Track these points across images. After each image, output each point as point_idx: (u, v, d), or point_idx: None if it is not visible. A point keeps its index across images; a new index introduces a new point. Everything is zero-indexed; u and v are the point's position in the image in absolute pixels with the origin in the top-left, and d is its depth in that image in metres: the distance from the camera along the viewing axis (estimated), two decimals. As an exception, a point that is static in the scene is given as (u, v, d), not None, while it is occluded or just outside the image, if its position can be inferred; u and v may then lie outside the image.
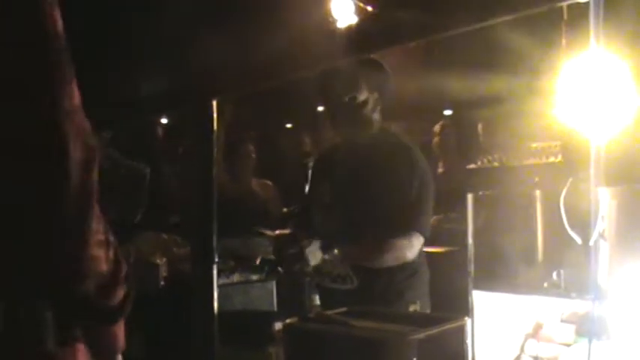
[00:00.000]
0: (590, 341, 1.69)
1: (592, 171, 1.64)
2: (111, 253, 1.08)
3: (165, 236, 3.12)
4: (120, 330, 1.18)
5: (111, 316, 1.12)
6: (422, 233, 2.69)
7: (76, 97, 1.02)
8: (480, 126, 4.53)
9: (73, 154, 0.97)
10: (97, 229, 1.04)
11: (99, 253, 1.04)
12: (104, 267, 1.06)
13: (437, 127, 4.86)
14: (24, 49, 0.97)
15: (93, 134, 1.04)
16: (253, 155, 4.53)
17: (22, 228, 0.98)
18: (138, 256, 2.91)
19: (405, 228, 2.68)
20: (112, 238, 1.09)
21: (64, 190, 0.97)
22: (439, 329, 1.90)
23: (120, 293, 1.11)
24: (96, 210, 1.03)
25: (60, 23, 1.02)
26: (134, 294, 1.14)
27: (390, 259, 2.69)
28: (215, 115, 1.94)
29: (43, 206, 0.98)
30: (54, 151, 0.97)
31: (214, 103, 1.95)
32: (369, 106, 2.76)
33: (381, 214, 2.71)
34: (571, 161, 1.93)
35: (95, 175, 1.02)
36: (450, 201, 3.55)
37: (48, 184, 0.97)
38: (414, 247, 2.68)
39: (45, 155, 0.97)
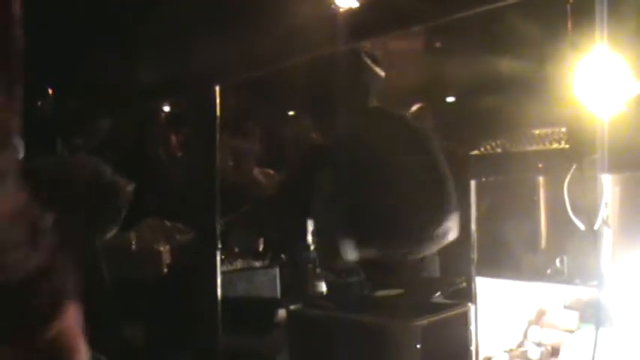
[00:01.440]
0: (596, 328, 1.69)
1: (596, 158, 1.63)
2: (35, 256, 0.93)
3: (168, 223, 3.12)
4: (66, 335, 1.00)
5: (39, 318, 0.96)
6: (453, 215, 2.57)
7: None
8: (482, 112, 4.51)
9: None
10: (10, 226, 0.90)
11: (14, 254, 0.90)
12: (25, 267, 0.91)
13: (414, 109, 4.77)
14: None
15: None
16: (257, 144, 4.52)
17: None
18: (141, 243, 2.91)
19: (437, 218, 2.56)
20: (42, 239, 0.96)
21: None
22: (443, 315, 1.90)
23: (48, 295, 0.96)
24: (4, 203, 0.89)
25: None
26: (67, 298, 0.98)
27: (429, 250, 2.62)
28: (218, 102, 1.93)
29: None
30: None
31: (217, 89, 1.94)
32: (359, 91, 2.73)
33: (392, 204, 2.63)
34: (577, 148, 1.92)
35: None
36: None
37: None
38: (452, 230, 2.57)
39: None
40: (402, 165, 2.60)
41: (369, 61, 2.72)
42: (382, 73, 2.78)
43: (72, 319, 1.00)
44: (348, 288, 2.58)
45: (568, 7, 1.73)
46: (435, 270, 2.84)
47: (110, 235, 2.64)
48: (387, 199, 2.62)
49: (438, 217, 2.56)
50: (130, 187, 2.55)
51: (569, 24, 1.72)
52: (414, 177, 2.59)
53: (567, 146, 2.04)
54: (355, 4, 2.80)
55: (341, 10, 2.68)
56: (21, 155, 0.94)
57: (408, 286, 2.18)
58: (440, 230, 2.55)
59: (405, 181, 2.59)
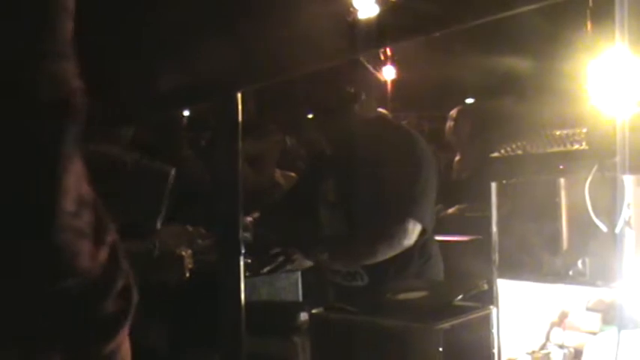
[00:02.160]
0: (618, 330, 1.69)
1: (618, 158, 1.63)
2: (102, 254, 0.87)
3: (190, 228, 3.14)
4: (122, 349, 0.95)
5: (99, 334, 0.89)
6: (418, 220, 2.64)
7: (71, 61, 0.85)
8: (501, 114, 4.50)
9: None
10: (77, 214, 0.83)
11: (78, 244, 0.83)
12: (86, 265, 0.85)
13: (453, 112, 4.81)
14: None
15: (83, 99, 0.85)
16: (279, 147, 4.54)
17: None
18: (163, 248, 2.93)
19: (399, 216, 2.63)
20: (108, 239, 0.89)
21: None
22: (465, 319, 1.90)
23: (111, 306, 0.89)
24: (74, 191, 0.83)
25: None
26: (133, 311, 0.92)
27: (383, 251, 2.66)
28: (239, 108, 1.95)
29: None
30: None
31: (239, 94, 1.95)
32: (358, 99, 2.76)
33: (375, 205, 2.69)
34: (597, 149, 1.91)
35: (71, 146, 0.83)
36: (470, 189, 3.54)
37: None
38: (409, 234, 2.63)
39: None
40: (386, 172, 2.65)
41: (370, 68, 2.76)
42: (383, 78, 2.82)
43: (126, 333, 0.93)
44: (370, 291, 2.60)
45: (588, 7, 1.73)
46: (438, 272, 2.86)
47: (160, 221, 2.59)
48: (374, 207, 2.68)
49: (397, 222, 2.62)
50: (173, 173, 2.52)
51: (589, 24, 1.72)
52: (395, 185, 2.63)
53: (588, 147, 2.04)
54: (375, 11, 2.82)
55: (360, 16, 2.70)
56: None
57: (429, 289, 2.19)
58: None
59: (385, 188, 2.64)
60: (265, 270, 2.67)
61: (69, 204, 0.82)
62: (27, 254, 0.81)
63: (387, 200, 2.65)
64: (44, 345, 0.85)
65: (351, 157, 2.79)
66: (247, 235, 2.87)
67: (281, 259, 2.64)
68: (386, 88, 2.88)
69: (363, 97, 2.76)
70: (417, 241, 2.70)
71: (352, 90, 2.73)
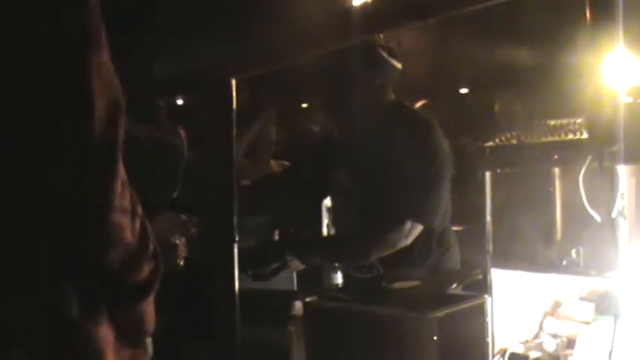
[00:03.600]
0: (615, 320, 1.69)
1: (614, 148, 1.63)
2: (137, 225, 1.03)
3: (184, 216, 3.13)
4: (149, 310, 1.13)
5: (137, 293, 1.07)
6: (419, 220, 2.58)
7: (105, 52, 0.98)
8: (496, 104, 4.50)
9: (98, 108, 0.93)
10: (122, 193, 0.98)
11: (124, 220, 0.99)
12: (129, 237, 1.01)
13: (418, 105, 4.77)
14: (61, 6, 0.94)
15: (120, 89, 1.00)
16: (273, 136, 4.52)
17: (42, 182, 0.93)
18: (156, 237, 2.92)
19: (398, 216, 2.57)
20: (139, 210, 1.04)
21: (86, 144, 0.93)
22: (459, 307, 1.91)
23: (146, 269, 1.06)
24: (121, 172, 0.98)
25: None
26: (163, 271, 1.11)
27: (377, 252, 2.60)
28: (234, 95, 1.94)
29: (64, 159, 0.93)
30: (78, 104, 0.93)
31: (233, 82, 1.94)
32: (374, 84, 2.71)
33: (377, 200, 2.64)
34: (595, 139, 1.91)
35: (121, 133, 0.98)
36: (462, 178, 3.53)
37: (70, 136, 0.93)
38: (405, 236, 2.56)
39: (68, 107, 0.93)
40: (394, 163, 2.60)
41: (384, 54, 2.71)
42: (399, 65, 2.76)
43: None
44: (365, 280, 2.58)
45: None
46: (456, 261, 2.84)
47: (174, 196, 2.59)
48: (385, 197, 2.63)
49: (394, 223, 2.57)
50: (186, 143, 2.50)
51: (588, 13, 1.71)
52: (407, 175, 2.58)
53: (583, 137, 2.04)
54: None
55: (355, 3, 2.67)
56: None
57: (424, 278, 2.19)
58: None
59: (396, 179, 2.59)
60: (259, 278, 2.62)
61: (118, 186, 0.96)
62: (86, 231, 0.96)
63: (388, 197, 2.59)
64: (95, 305, 1.01)
65: (363, 145, 2.73)
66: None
67: (276, 265, 2.57)
68: (401, 74, 2.81)
69: (378, 82, 2.72)
70: (433, 232, 2.67)
71: (366, 76, 2.67)
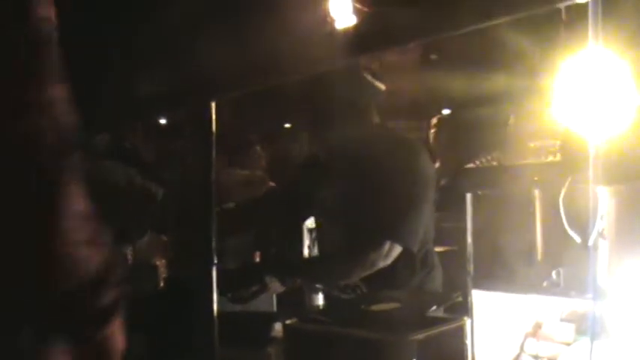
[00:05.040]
0: (591, 341, 1.69)
1: (591, 170, 1.64)
2: (99, 255, 1.03)
3: (164, 237, 3.13)
4: (115, 335, 1.11)
5: (99, 321, 1.06)
6: (398, 241, 2.58)
7: (58, 89, 1.00)
8: (476, 124, 4.52)
9: (44, 146, 0.95)
10: (80, 226, 1.00)
11: (83, 252, 1.00)
12: (90, 267, 1.01)
13: (435, 120, 4.82)
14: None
15: (72, 127, 1.01)
16: (261, 158, 4.52)
17: None
18: (137, 258, 2.91)
19: (377, 237, 2.57)
20: (103, 239, 1.05)
21: (31, 184, 0.94)
22: (439, 329, 1.90)
23: (109, 295, 1.05)
24: (75, 206, 0.99)
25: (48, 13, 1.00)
26: (128, 297, 1.10)
27: (357, 273, 2.60)
28: (214, 117, 1.94)
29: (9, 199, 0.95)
30: (25, 142, 0.95)
31: (213, 104, 1.94)
32: (358, 106, 2.72)
33: (358, 221, 2.63)
34: (570, 160, 1.92)
35: (71, 171, 0.99)
36: (445, 199, 3.54)
37: (17, 175, 0.95)
38: (384, 256, 2.56)
39: (15, 147, 0.94)
40: (376, 186, 2.60)
41: (369, 77, 2.72)
42: (383, 87, 2.77)
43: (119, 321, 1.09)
44: (344, 302, 2.58)
45: (562, 22, 1.74)
46: (439, 283, 2.84)
47: (143, 241, 2.63)
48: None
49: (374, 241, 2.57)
50: (161, 193, 2.54)
51: (563, 38, 1.74)
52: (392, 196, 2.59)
53: (561, 160, 2.05)
54: (352, 20, 2.81)
55: (338, 26, 2.68)
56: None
57: (403, 300, 2.18)
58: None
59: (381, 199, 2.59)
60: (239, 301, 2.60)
61: (70, 221, 0.98)
62: (39, 265, 0.98)
63: (369, 218, 2.59)
64: (53, 335, 1.01)
65: (346, 166, 2.74)
66: None
67: (255, 288, 2.56)
68: (386, 97, 2.81)
69: (361, 104, 2.72)
70: (417, 253, 2.66)
71: (350, 98, 2.69)
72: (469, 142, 4.12)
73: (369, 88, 2.73)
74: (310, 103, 2.79)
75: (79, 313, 1.03)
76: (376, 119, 2.79)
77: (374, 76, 2.74)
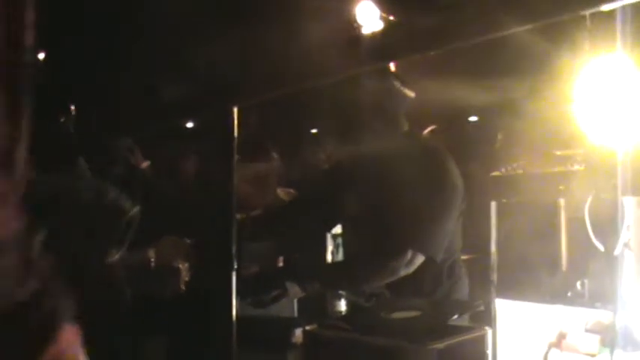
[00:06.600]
0: (611, 352, 1.67)
1: (618, 180, 1.62)
2: (31, 284, 0.92)
3: (187, 240, 3.14)
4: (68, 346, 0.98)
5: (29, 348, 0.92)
6: (421, 250, 2.55)
7: None
8: (499, 133, 4.49)
9: None
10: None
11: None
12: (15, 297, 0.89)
13: (426, 132, 4.77)
14: None
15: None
16: (279, 164, 4.52)
17: None
18: (160, 260, 2.92)
19: (400, 246, 2.54)
20: (38, 271, 0.95)
21: None
22: (459, 339, 1.89)
23: (38, 329, 0.92)
24: None
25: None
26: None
27: (378, 280, 2.59)
28: (235, 123, 1.94)
29: None
30: None
31: (235, 109, 1.95)
32: (387, 113, 2.71)
33: (382, 229, 2.61)
34: (594, 170, 1.90)
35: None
36: (468, 208, 3.51)
37: None
38: (406, 265, 2.53)
39: None
40: (402, 193, 2.58)
41: (397, 84, 2.71)
42: (412, 94, 2.76)
43: (68, 342, 0.97)
44: (365, 309, 2.56)
45: (587, 29, 1.72)
46: (465, 293, 2.82)
47: (113, 257, 2.62)
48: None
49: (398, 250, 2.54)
50: (135, 210, 2.54)
51: (588, 46, 1.71)
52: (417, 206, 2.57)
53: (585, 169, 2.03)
54: (379, 26, 2.81)
55: (364, 31, 2.68)
56: (26, 175, 0.95)
57: (425, 308, 2.17)
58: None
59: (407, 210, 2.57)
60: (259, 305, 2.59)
61: None
62: None
63: (394, 225, 2.57)
64: None
65: (373, 174, 2.72)
66: None
67: (276, 293, 2.55)
68: (415, 104, 2.80)
69: (390, 111, 2.72)
70: (444, 263, 2.65)
71: (379, 105, 2.68)
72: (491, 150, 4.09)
73: (398, 95, 2.73)
74: (339, 110, 2.79)
75: (9, 339, 0.91)
76: (405, 126, 2.78)
77: (403, 82, 2.74)
